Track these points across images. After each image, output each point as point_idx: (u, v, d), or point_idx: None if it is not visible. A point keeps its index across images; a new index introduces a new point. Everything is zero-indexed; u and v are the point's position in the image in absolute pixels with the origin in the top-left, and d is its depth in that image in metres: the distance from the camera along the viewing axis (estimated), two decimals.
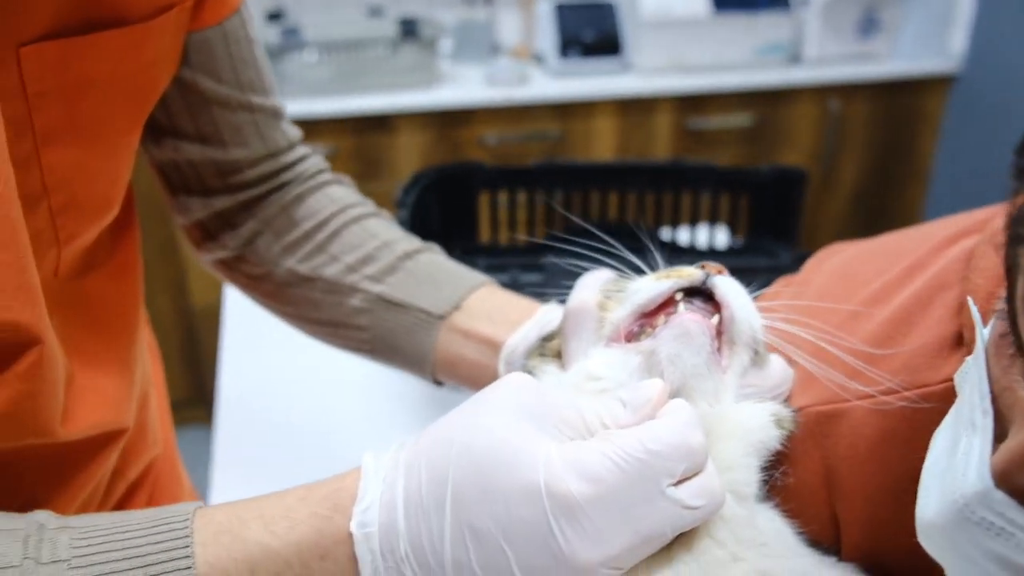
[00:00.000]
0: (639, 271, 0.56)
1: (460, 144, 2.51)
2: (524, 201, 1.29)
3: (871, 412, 0.51)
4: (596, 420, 0.44)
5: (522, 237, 1.30)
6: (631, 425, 0.43)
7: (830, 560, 0.49)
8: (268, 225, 0.70)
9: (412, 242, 0.72)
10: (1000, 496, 0.35)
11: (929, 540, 0.41)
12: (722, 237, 1.39)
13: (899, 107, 2.84)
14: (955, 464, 0.38)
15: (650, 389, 0.45)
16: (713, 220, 1.36)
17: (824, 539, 0.52)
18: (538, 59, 2.74)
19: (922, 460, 0.50)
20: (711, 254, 1.34)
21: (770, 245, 1.33)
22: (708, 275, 0.51)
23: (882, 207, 2.97)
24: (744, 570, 0.44)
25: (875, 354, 0.51)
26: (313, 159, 0.73)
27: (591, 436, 0.43)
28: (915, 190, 2.99)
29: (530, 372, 0.55)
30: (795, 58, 2.76)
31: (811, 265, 0.65)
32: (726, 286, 0.50)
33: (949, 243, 0.54)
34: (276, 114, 0.68)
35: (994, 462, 0.36)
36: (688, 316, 0.49)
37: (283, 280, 0.70)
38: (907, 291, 0.53)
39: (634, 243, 0.59)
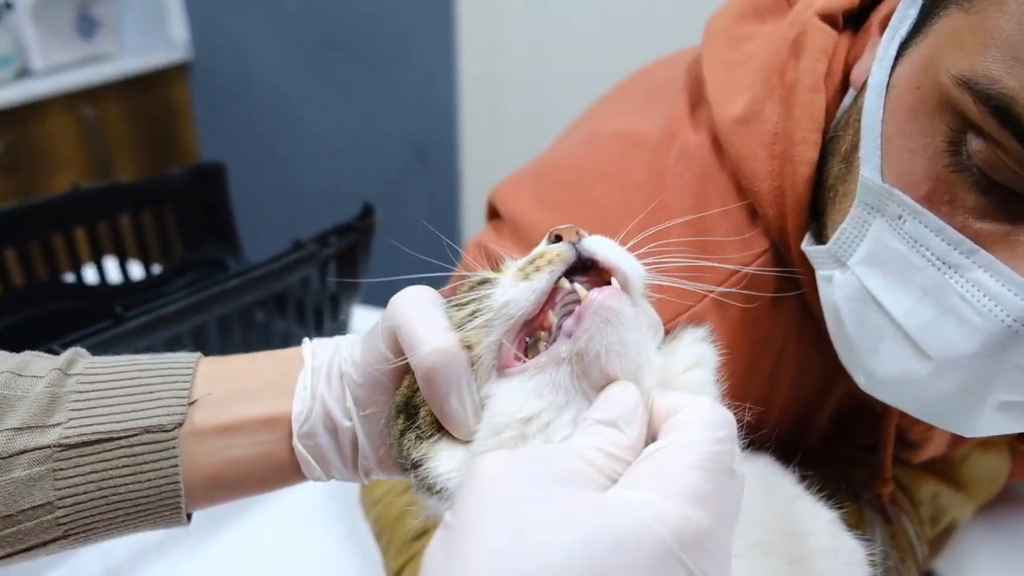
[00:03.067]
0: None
1: None
2: None
3: (713, 307, 0.55)
4: (600, 455, 0.36)
5: None
6: (640, 438, 0.37)
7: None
8: None
9: (33, 356, 0.46)
10: None
11: (930, 387, 0.46)
12: (136, 270, 1.20)
13: (150, 101, 2.78)
14: (961, 304, 0.43)
15: (621, 394, 0.38)
16: (116, 250, 1.16)
17: None
18: None
19: (768, 329, 0.56)
20: (151, 287, 1.16)
21: (215, 252, 1.22)
22: (575, 243, 0.42)
23: None
24: None
25: (700, 254, 0.55)
26: None
27: (615, 475, 0.36)
28: None
29: (408, 453, 0.42)
30: (25, 71, 2.44)
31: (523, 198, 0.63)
32: (603, 247, 0.42)
33: (669, 140, 0.60)
34: None
35: None
36: (600, 296, 0.39)
37: None
38: (673, 202, 0.57)
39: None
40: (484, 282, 0.43)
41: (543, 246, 0.42)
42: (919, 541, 0.72)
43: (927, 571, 0.74)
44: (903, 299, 0.46)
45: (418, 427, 0.43)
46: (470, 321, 0.41)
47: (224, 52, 2.81)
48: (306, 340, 0.49)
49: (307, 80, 2.67)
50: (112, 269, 1.16)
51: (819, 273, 0.52)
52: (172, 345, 0.85)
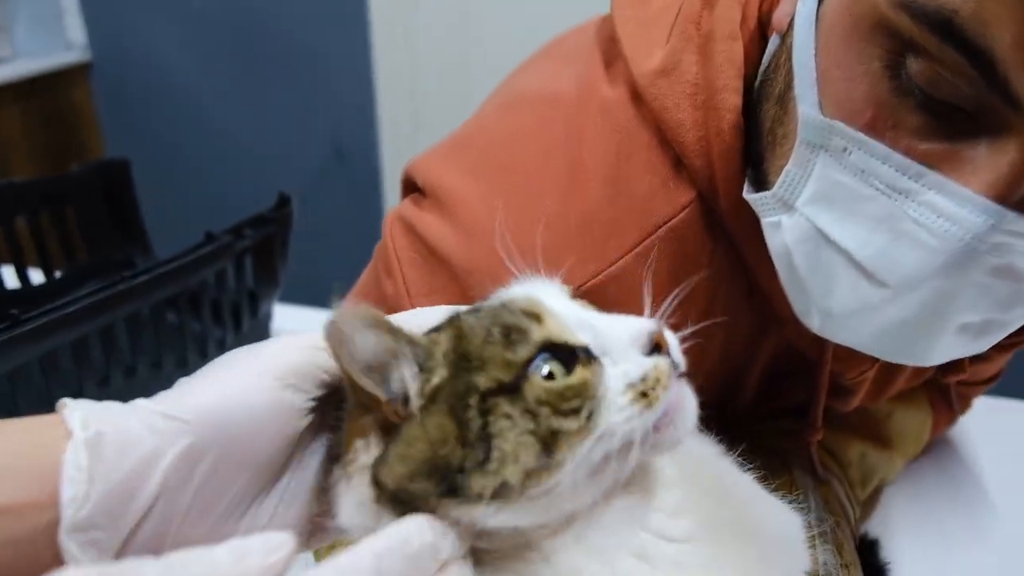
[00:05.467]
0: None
1: None
2: None
3: (639, 262, 0.54)
4: None
5: None
6: None
7: None
8: None
9: None
10: (1012, 215, 0.41)
11: (880, 314, 0.46)
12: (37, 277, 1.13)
13: (49, 105, 2.65)
14: (915, 229, 0.43)
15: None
16: (38, 247, 1.09)
17: None
18: None
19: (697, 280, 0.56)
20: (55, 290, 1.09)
21: (124, 255, 1.15)
22: (671, 356, 0.40)
23: None
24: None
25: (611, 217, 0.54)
26: None
27: None
28: None
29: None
30: None
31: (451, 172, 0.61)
32: (677, 351, 0.41)
33: (584, 99, 0.59)
34: None
35: (987, 191, 0.41)
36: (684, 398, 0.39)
37: None
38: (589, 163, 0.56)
39: None
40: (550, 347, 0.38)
41: (638, 354, 0.39)
42: (851, 503, 0.72)
43: (861, 534, 0.75)
44: (856, 232, 0.46)
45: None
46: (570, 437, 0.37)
47: (127, 52, 2.70)
48: (68, 402, 0.38)
49: (218, 79, 2.59)
50: (8, 276, 1.08)
51: (765, 221, 0.51)
52: (78, 349, 0.79)
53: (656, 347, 0.39)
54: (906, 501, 0.81)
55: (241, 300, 1.00)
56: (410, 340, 0.38)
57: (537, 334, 0.38)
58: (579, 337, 0.39)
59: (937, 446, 0.89)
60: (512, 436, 0.36)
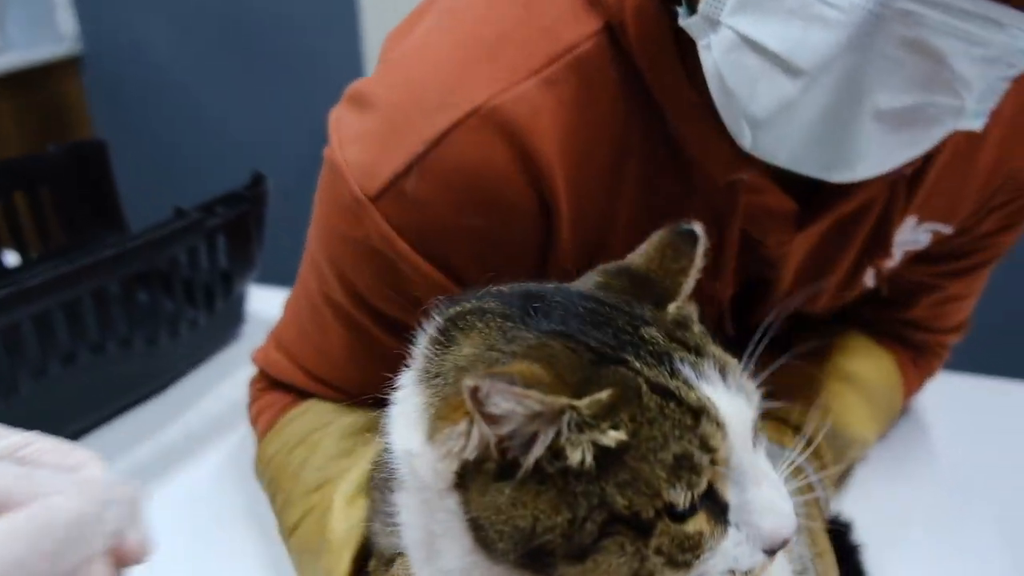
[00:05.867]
0: None
1: None
2: None
3: (544, 86, 0.55)
4: None
5: None
6: None
7: None
8: None
9: None
10: None
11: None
12: (12, 258, 1.12)
13: (40, 97, 2.64)
14: (824, 9, 0.45)
15: None
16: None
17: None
18: None
19: (606, 115, 0.57)
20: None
21: (101, 238, 1.14)
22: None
23: None
24: None
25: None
26: None
27: None
28: None
29: None
30: None
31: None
32: None
33: None
34: None
35: None
36: None
37: None
38: None
39: None
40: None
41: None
42: (821, 486, 0.71)
43: (833, 516, 0.73)
44: (773, 28, 0.47)
45: None
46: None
47: (119, 45, 2.69)
48: None
49: (210, 72, 2.58)
50: None
51: (700, 45, 0.52)
52: (41, 326, 0.78)
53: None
54: (878, 481, 0.80)
55: (215, 281, 0.99)
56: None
57: (705, 479, 0.37)
58: (729, 493, 0.38)
59: (908, 428, 0.88)
60: (615, 561, 0.36)
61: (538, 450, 0.36)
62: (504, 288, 0.44)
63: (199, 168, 2.70)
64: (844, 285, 0.72)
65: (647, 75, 0.56)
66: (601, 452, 0.36)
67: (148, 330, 0.91)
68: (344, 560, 0.56)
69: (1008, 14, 0.44)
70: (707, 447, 0.37)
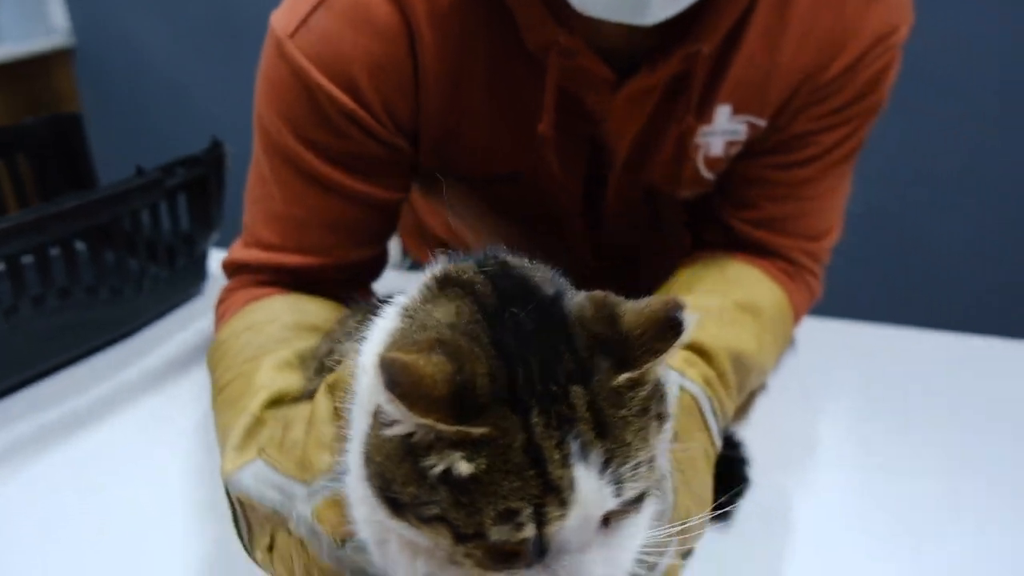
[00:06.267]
0: None
1: None
2: None
3: None
4: None
5: None
6: None
7: None
8: None
9: None
10: None
11: None
12: None
13: (32, 88, 2.73)
14: None
15: None
16: None
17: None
18: None
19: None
20: None
21: None
22: None
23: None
24: None
25: None
26: None
27: None
28: None
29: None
30: None
31: None
32: None
33: None
34: None
35: None
36: None
37: None
38: None
39: None
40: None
41: None
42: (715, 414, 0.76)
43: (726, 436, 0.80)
44: None
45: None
46: None
47: (111, 37, 2.77)
48: None
49: (200, 64, 2.65)
50: None
51: None
52: (12, 268, 0.86)
53: None
54: (770, 416, 0.88)
55: (176, 241, 1.07)
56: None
57: (529, 536, 0.39)
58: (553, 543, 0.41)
59: (802, 374, 0.96)
60: (440, 541, 0.41)
61: (398, 430, 0.40)
62: (508, 264, 0.48)
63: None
64: (674, 161, 0.81)
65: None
66: (450, 468, 0.40)
67: (113, 282, 0.99)
68: (259, 398, 0.62)
69: None
70: (541, 519, 0.39)
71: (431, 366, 0.39)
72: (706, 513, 0.58)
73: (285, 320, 0.73)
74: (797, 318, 0.88)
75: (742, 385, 0.77)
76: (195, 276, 1.13)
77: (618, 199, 0.85)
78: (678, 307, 0.42)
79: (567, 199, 0.84)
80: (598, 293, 0.46)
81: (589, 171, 0.82)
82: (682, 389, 0.67)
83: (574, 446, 0.39)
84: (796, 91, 0.77)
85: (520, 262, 0.49)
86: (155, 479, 0.80)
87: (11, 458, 0.83)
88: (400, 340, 0.45)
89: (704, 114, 0.77)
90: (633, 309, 0.44)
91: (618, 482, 0.40)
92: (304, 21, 0.71)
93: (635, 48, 0.72)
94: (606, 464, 0.40)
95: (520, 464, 0.39)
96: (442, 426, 0.38)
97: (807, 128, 0.79)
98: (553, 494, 0.39)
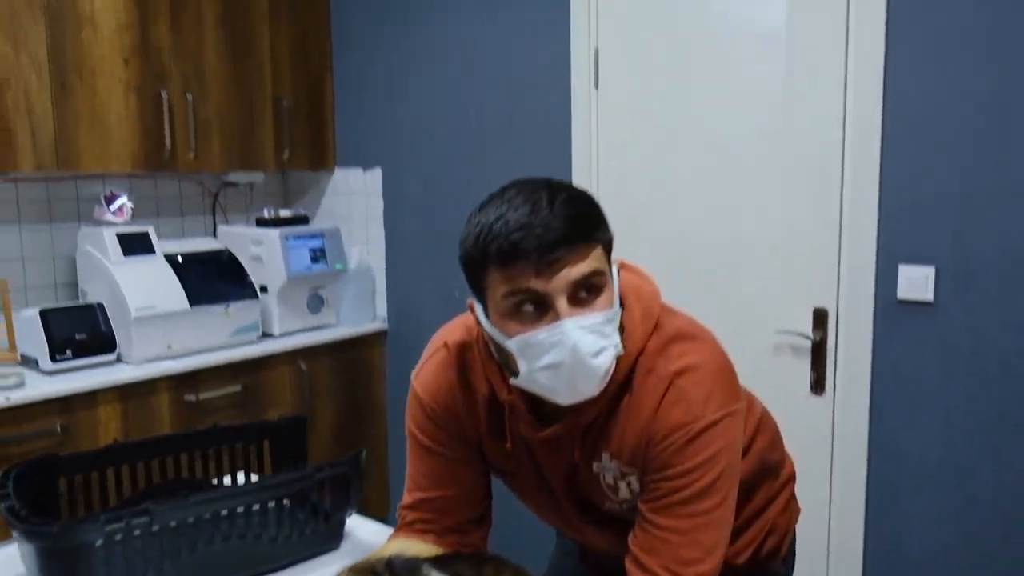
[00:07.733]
0: None
1: None
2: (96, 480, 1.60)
3: None
4: None
5: None
6: None
7: None
8: None
9: None
10: None
11: None
12: (251, 476, 1.85)
13: (351, 361, 3.64)
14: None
15: None
16: (244, 467, 1.82)
17: None
18: (28, 361, 2.89)
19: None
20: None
21: None
22: None
23: (355, 439, 3.68)
24: None
25: None
26: None
27: None
28: (377, 423, 3.78)
29: None
30: (266, 335, 3.41)
31: None
32: None
33: None
34: None
35: None
36: None
37: None
38: None
39: None
40: None
41: None
42: None
43: None
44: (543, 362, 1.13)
45: None
46: None
47: (409, 323, 3.64)
48: None
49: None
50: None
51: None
52: (198, 519, 1.45)
53: None
54: None
55: (318, 513, 1.61)
56: None
57: None
58: None
59: None
60: None
61: None
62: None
63: None
64: (587, 482, 1.25)
65: (485, 366, 1.23)
66: None
67: (273, 531, 1.54)
68: None
69: None
70: None
71: None
72: None
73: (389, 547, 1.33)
74: None
75: None
76: (332, 537, 1.65)
77: (572, 495, 1.31)
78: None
79: (553, 484, 1.30)
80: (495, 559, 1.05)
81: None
82: None
83: None
84: (645, 455, 1.18)
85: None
86: None
87: None
88: None
89: (594, 455, 1.21)
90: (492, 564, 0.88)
91: None
92: (421, 366, 1.37)
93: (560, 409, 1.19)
94: None
95: None
96: None
97: (650, 478, 1.18)
98: None
